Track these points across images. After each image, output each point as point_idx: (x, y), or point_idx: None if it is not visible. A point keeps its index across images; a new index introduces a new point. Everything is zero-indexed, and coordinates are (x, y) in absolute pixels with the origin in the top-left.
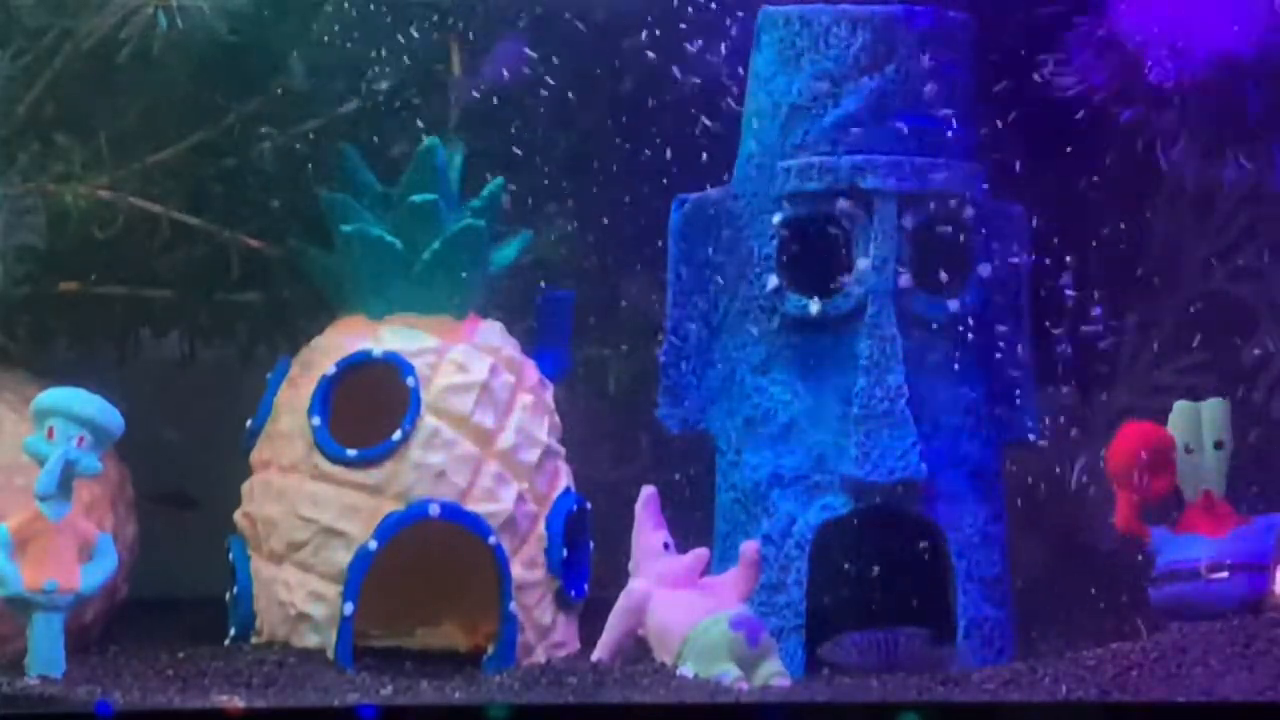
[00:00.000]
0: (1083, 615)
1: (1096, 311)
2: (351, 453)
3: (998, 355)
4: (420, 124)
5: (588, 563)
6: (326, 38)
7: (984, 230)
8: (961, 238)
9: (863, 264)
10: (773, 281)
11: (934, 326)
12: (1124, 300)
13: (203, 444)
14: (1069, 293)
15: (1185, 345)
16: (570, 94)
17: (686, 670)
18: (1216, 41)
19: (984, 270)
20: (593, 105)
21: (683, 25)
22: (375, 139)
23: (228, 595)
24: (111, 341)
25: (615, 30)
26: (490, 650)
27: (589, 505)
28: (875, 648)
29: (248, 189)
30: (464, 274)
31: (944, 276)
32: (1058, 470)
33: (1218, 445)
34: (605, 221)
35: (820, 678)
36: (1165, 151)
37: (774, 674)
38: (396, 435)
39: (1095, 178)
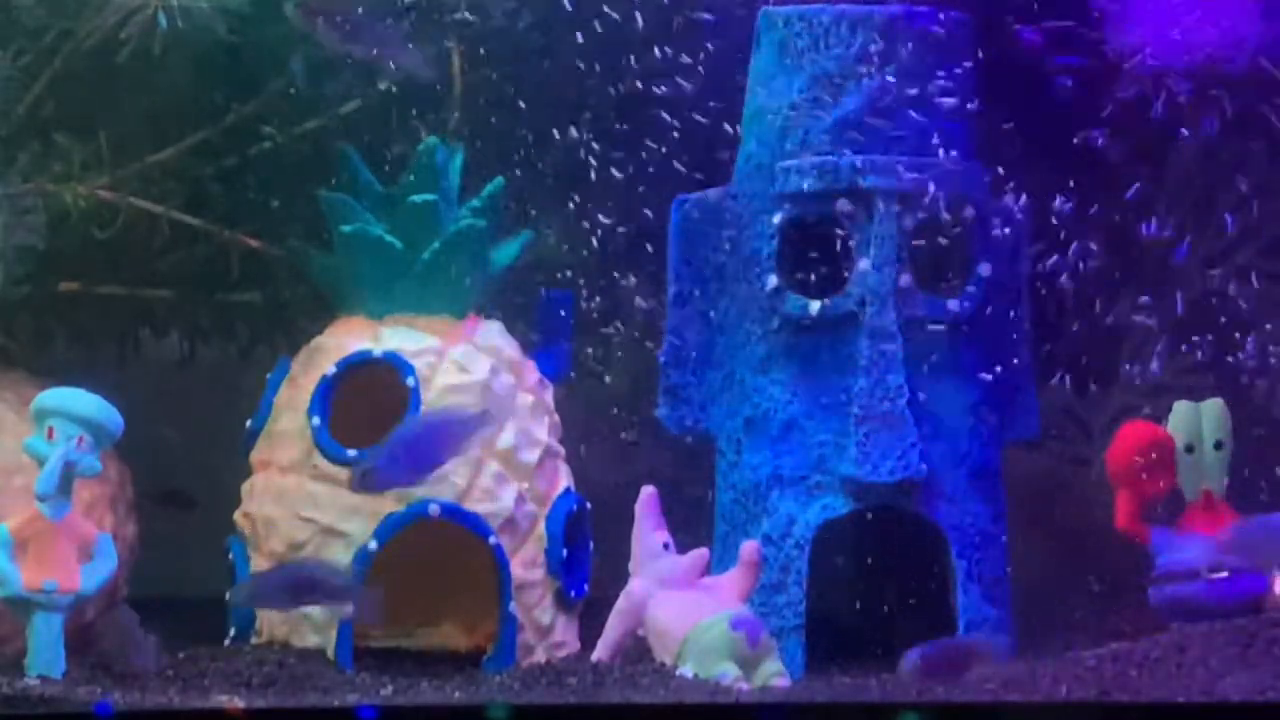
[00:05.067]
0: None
1: (1097, 311)
2: (351, 453)
3: (998, 355)
4: (420, 124)
5: (588, 563)
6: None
7: (984, 230)
8: (961, 238)
9: (863, 264)
10: (773, 281)
11: (934, 326)
12: (1124, 299)
13: (203, 444)
14: (1069, 292)
15: (1186, 345)
16: (569, 95)
17: (686, 670)
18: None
19: (984, 270)
20: (592, 106)
21: (683, 26)
22: (375, 139)
23: (228, 596)
24: (111, 341)
25: (615, 31)
26: (490, 650)
27: (589, 505)
28: None
29: (248, 189)
30: (464, 274)
31: (943, 276)
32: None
33: (1218, 445)
34: (605, 222)
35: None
36: (1169, 147)
37: (774, 674)
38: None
39: (1095, 176)
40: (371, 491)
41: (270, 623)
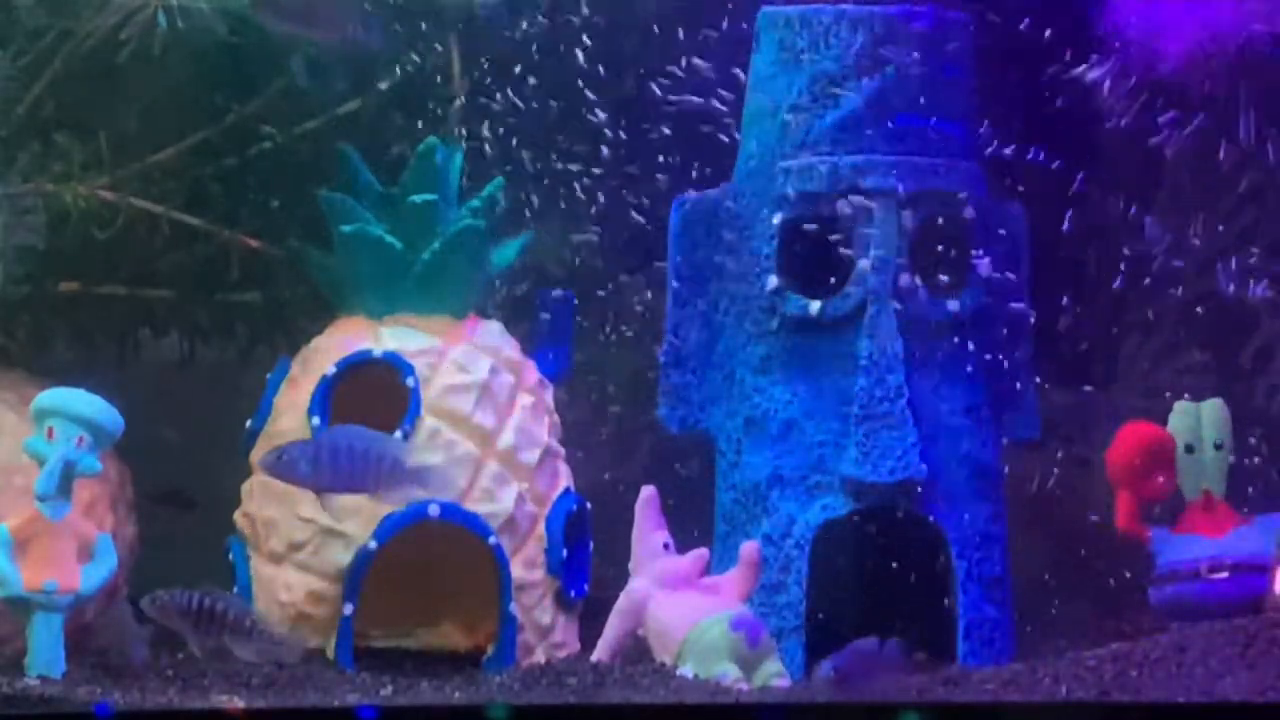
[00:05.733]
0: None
1: (1097, 311)
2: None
3: (998, 355)
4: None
5: (588, 563)
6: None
7: (984, 230)
8: (961, 238)
9: (863, 264)
10: (773, 281)
11: (934, 326)
12: (1124, 300)
13: (203, 444)
14: (1069, 292)
15: (1186, 345)
16: (570, 95)
17: (686, 670)
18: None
19: (984, 270)
20: (592, 106)
21: (683, 25)
22: (375, 139)
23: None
24: (111, 341)
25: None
26: (490, 650)
27: (589, 505)
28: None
29: (248, 189)
30: (464, 274)
31: (944, 276)
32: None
33: (1218, 445)
34: (605, 222)
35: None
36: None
37: (774, 674)
38: (396, 435)
39: (1095, 176)
40: (277, 475)
41: (270, 623)
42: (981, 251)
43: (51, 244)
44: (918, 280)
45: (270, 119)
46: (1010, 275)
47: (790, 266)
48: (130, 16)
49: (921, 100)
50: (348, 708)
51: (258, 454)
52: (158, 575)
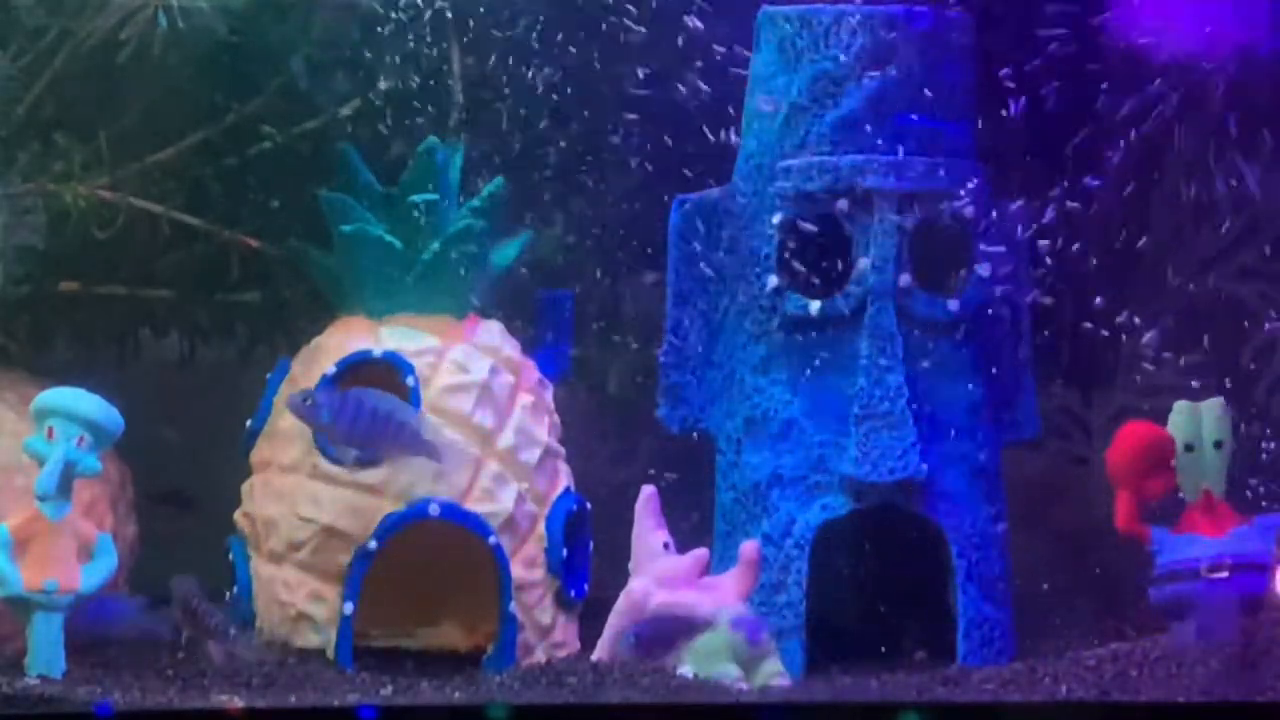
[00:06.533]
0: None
1: (1097, 311)
2: (352, 453)
3: (998, 354)
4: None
5: (588, 563)
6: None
7: (984, 230)
8: (961, 238)
9: (863, 264)
10: (773, 281)
11: (934, 326)
12: (1124, 299)
13: (203, 444)
14: (1069, 292)
15: (1186, 345)
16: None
17: (686, 670)
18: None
19: (984, 270)
20: (592, 106)
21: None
22: (375, 139)
23: (227, 595)
24: (111, 341)
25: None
26: (490, 650)
27: (589, 505)
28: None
29: (248, 189)
30: (464, 274)
31: (943, 276)
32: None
33: (1218, 445)
34: (605, 221)
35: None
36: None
37: (774, 674)
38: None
39: (1095, 176)
40: (300, 416)
41: (270, 622)
42: (981, 251)
43: (51, 244)
44: (918, 280)
45: (270, 119)
46: (1010, 275)
47: (790, 266)
48: (130, 16)
49: (921, 100)
50: (348, 708)
51: (258, 454)
52: (158, 575)
